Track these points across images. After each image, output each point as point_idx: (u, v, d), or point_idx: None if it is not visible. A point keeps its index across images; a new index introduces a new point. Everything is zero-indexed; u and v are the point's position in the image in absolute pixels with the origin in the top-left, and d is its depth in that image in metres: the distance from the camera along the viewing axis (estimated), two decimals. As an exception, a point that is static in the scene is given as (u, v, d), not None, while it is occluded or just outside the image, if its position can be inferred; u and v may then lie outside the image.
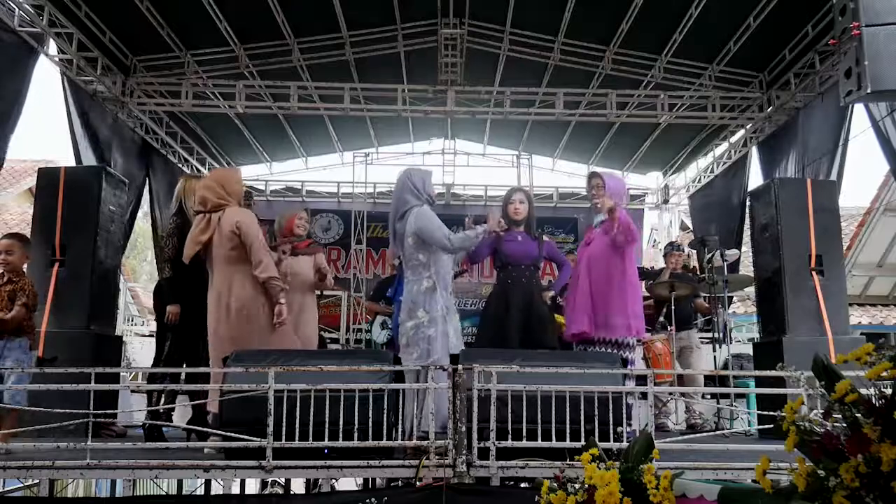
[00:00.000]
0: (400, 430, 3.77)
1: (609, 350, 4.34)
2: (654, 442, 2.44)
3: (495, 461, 3.36)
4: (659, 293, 6.45)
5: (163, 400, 4.53)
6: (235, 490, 5.46)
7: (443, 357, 3.98)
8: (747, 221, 7.81)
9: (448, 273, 4.41)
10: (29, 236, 5.69)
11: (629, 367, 4.10)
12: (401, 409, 3.78)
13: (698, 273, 7.42)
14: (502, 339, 4.68)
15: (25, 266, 4.50)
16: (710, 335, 7.14)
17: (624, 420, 3.41)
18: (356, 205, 10.62)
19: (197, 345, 4.72)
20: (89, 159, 7.16)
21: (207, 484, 5.00)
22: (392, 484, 4.23)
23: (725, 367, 6.59)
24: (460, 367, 3.45)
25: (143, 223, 10.47)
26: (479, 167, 11.59)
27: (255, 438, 3.36)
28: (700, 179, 10.61)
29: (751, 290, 7.83)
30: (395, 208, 4.44)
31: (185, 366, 4.51)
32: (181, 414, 5.67)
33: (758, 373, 5.41)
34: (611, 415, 3.43)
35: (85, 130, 7.29)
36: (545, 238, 5.25)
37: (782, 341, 5.69)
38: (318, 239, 10.65)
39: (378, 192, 11.32)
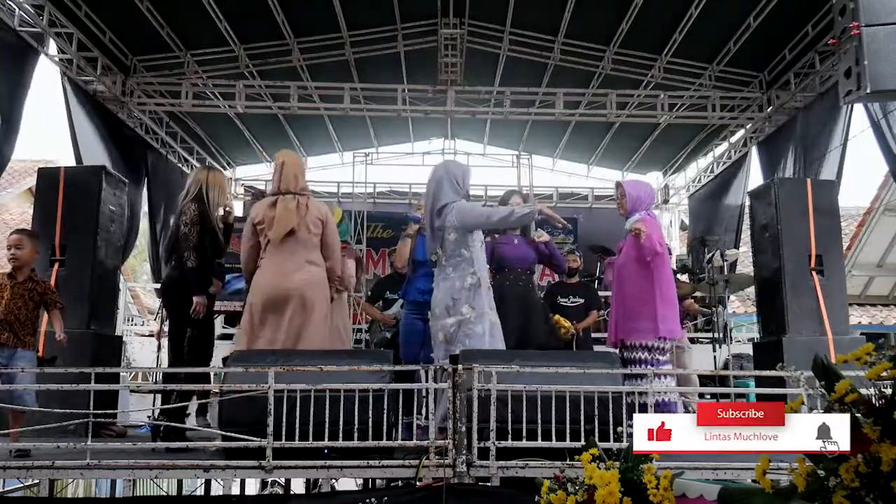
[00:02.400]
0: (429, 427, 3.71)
1: (639, 354, 4.28)
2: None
3: (495, 461, 3.36)
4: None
5: (159, 400, 4.52)
6: (235, 490, 5.46)
7: None
8: (747, 221, 7.81)
9: (486, 271, 4.35)
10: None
11: (630, 367, 4.11)
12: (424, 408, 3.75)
13: (697, 274, 7.42)
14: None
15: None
16: (709, 335, 7.15)
17: (624, 420, 3.40)
18: (356, 205, 10.61)
19: (210, 342, 4.73)
20: (89, 159, 7.14)
21: (207, 484, 5.01)
22: (392, 484, 4.23)
23: (725, 367, 6.59)
24: (460, 367, 3.45)
25: (143, 223, 10.45)
26: (479, 167, 11.58)
27: (255, 438, 3.35)
28: (700, 179, 10.61)
29: (751, 291, 7.83)
30: (433, 203, 4.29)
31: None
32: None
33: (758, 373, 5.40)
34: (611, 415, 3.43)
35: (85, 130, 7.29)
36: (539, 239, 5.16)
37: (782, 341, 5.69)
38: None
39: (378, 192, 11.32)
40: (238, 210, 10.03)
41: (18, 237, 4.27)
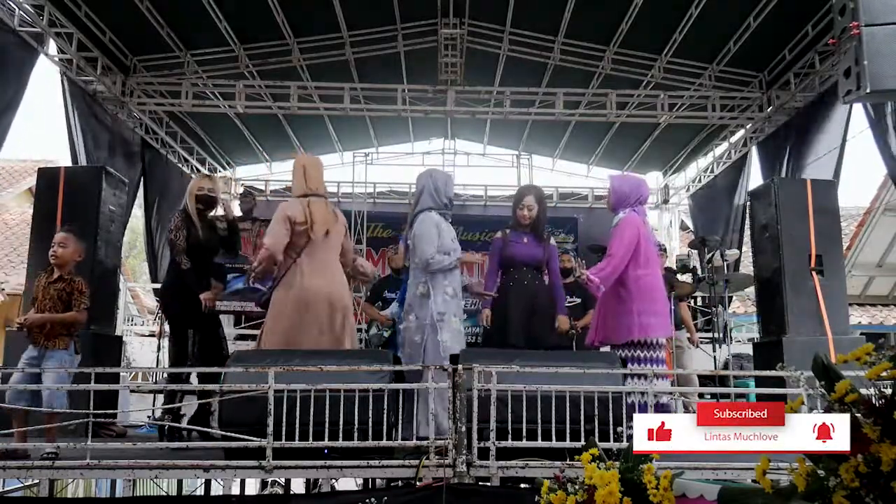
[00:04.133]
0: (405, 429, 3.77)
1: (625, 352, 4.26)
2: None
3: (495, 461, 3.36)
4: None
5: (161, 399, 4.52)
6: (235, 490, 5.45)
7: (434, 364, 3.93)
8: (747, 221, 7.81)
9: (448, 278, 4.40)
10: (36, 235, 5.63)
11: (629, 366, 4.10)
12: (414, 410, 3.79)
13: (698, 274, 7.42)
14: (506, 341, 4.65)
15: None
16: (709, 335, 7.14)
17: (624, 420, 3.40)
18: (356, 205, 10.60)
19: (218, 341, 4.72)
20: (88, 159, 7.15)
21: (207, 484, 5.00)
22: (392, 484, 4.23)
23: (725, 367, 6.59)
24: (460, 367, 3.45)
25: (141, 223, 10.48)
26: (479, 167, 11.59)
27: (255, 438, 3.35)
28: (700, 179, 10.61)
29: (751, 290, 7.84)
30: (412, 209, 4.55)
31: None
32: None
33: (758, 373, 5.41)
34: (611, 415, 3.43)
35: (84, 130, 7.28)
36: (552, 242, 5.11)
37: (782, 341, 5.70)
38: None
39: (378, 192, 11.32)
40: (236, 211, 10.02)
41: (64, 236, 4.18)
